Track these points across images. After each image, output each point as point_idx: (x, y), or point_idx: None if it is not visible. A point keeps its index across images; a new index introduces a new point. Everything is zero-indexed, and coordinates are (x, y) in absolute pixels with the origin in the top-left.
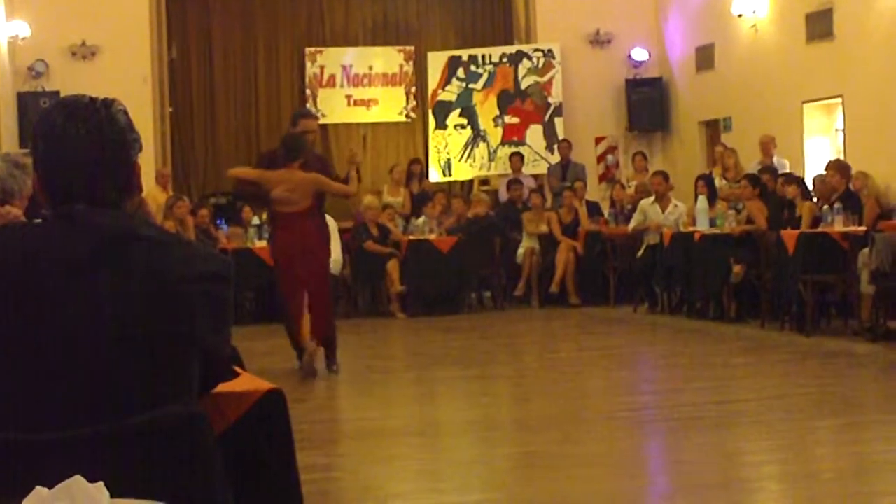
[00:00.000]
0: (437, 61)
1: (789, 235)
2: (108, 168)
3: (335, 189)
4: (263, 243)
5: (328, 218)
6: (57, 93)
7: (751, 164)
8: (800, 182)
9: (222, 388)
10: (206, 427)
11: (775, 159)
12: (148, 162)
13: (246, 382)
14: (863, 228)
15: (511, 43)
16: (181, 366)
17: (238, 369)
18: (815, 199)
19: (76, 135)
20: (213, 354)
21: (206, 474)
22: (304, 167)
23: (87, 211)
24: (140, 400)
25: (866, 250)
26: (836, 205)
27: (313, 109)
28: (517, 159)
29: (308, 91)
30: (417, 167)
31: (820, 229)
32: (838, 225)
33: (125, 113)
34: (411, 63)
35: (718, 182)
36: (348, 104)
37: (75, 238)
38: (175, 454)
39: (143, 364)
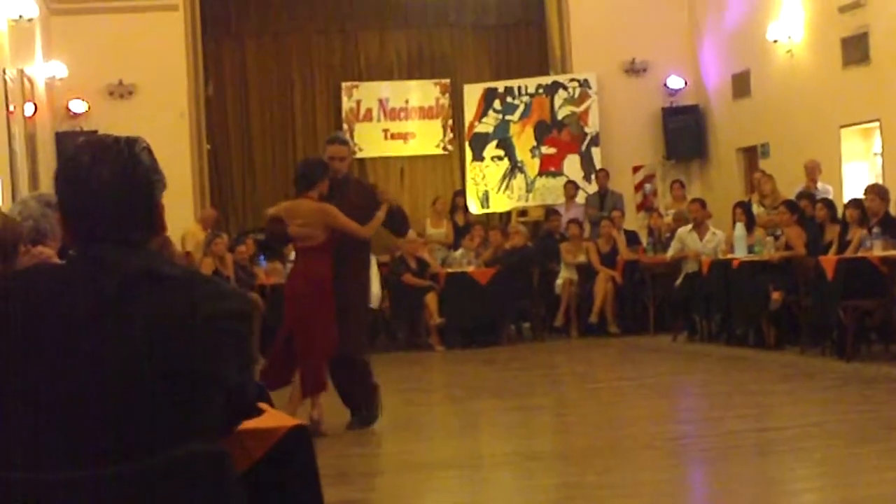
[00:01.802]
0: (473, 93)
1: (828, 261)
2: (133, 208)
3: (345, 226)
4: None
5: None
6: (95, 132)
7: (793, 190)
8: (830, 205)
9: (246, 424)
10: (227, 465)
11: (819, 185)
12: (186, 198)
13: (270, 419)
14: None
15: (546, 73)
16: (203, 404)
17: (264, 405)
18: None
19: (100, 176)
20: (236, 392)
21: None
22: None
23: (111, 251)
24: (163, 439)
25: None
26: (875, 229)
27: (343, 134)
28: (571, 187)
29: (345, 125)
30: (461, 199)
31: (859, 254)
32: (877, 249)
33: (149, 152)
34: (447, 95)
35: (756, 209)
36: (385, 138)
37: (99, 278)
38: (196, 493)
39: (166, 403)
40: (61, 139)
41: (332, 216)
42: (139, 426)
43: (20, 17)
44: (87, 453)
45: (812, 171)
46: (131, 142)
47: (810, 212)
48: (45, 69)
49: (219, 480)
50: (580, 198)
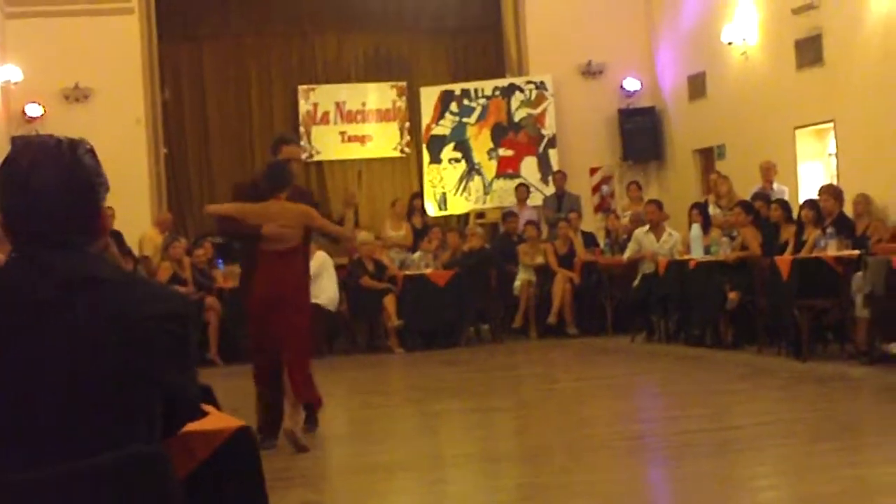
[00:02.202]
0: (429, 96)
1: (783, 261)
2: (74, 211)
3: (328, 228)
4: None
5: (322, 254)
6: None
7: (749, 191)
8: (784, 206)
9: (190, 426)
10: (166, 467)
11: (775, 185)
12: (143, 202)
13: (215, 421)
14: (856, 252)
15: (503, 76)
16: (142, 406)
17: (209, 407)
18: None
19: (41, 179)
20: (177, 394)
21: None
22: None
23: (50, 254)
24: (99, 441)
25: (860, 274)
26: (830, 229)
27: (293, 136)
28: (522, 190)
29: (302, 128)
30: (419, 201)
31: (814, 254)
32: (832, 249)
33: (92, 154)
34: (404, 98)
35: (713, 209)
36: (342, 140)
37: (35, 281)
38: (135, 494)
39: (103, 405)
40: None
41: (313, 218)
42: (79, 429)
43: None
44: (21, 457)
45: (767, 172)
46: (74, 144)
47: (766, 212)
48: (0, 73)
49: (158, 482)
50: (536, 199)
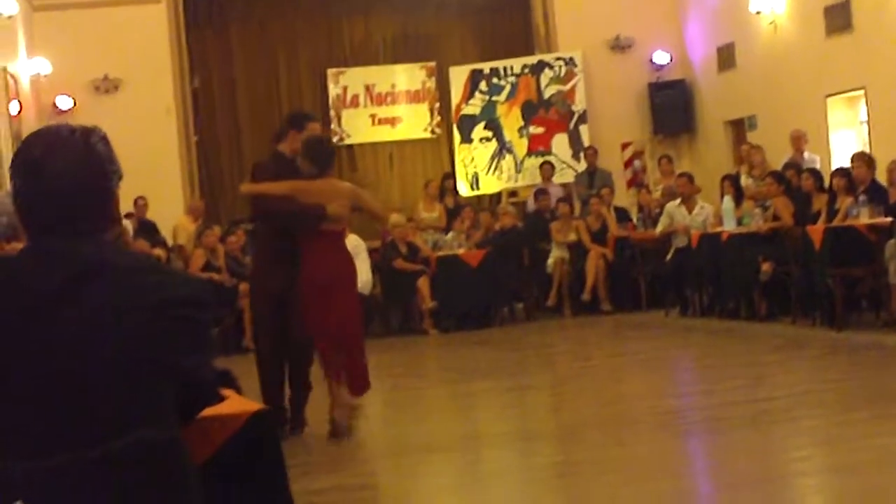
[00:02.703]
0: (458, 75)
1: (815, 231)
2: (87, 200)
3: (372, 206)
4: None
5: (355, 237)
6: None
7: (781, 161)
8: (816, 175)
9: (208, 411)
10: (180, 452)
11: (806, 154)
12: (176, 190)
13: (233, 405)
14: (889, 220)
15: (532, 53)
16: (158, 391)
17: (229, 392)
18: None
19: (54, 167)
20: (193, 379)
21: (185, 498)
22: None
23: (63, 242)
24: (116, 426)
25: (893, 241)
26: (862, 197)
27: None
28: (548, 168)
29: (332, 112)
30: (451, 182)
31: (846, 223)
32: (864, 217)
33: (105, 142)
34: (433, 79)
35: (745, 180)
36: (373, 123)
37: (49, 269)
38: (149, 480)
39: (119, 390)
40: None
41: (360, 196)
42: (95, 415)
43: (0, 14)
44: (38, 443)
45: (798, 142)
46: (87, 132)
47: (797, 182)
48: (30, 66)
49: (171, 467)
50: (567, 176)
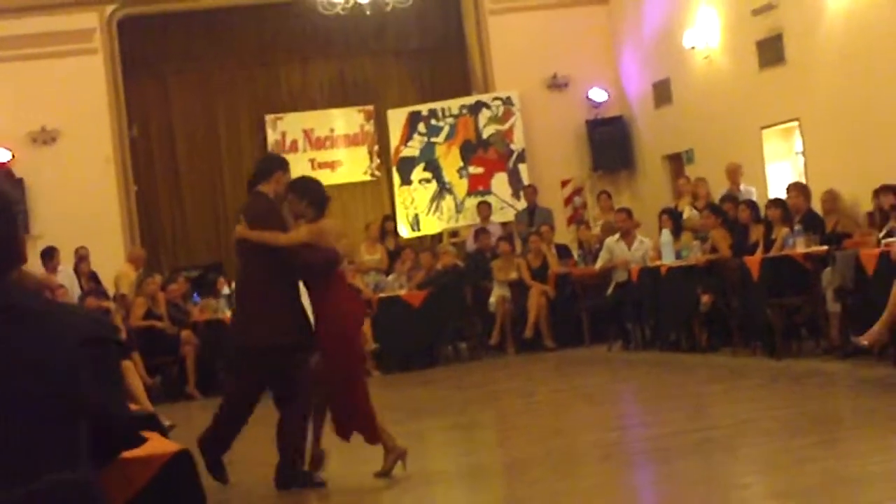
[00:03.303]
0: (397, 118)
1: (753, 261)
2: None
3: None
4: None
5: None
6: (21, 180)
7: (719, 193)
8: (753, 206)
9: (129, 453)
10: (97, 493)
11: (742, 186)
12: (116, 240)
13: (153, 446)
14: (824, 248)
15: (469, 93)
16: (72, 433)
17: (153, 434)
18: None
19: None
20: (107, 419)
21: None
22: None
23: None
24: (29, 468)
25: (829, 269)
26: (798, 227)
27: None
28: (485, 208)
29: None
30: (391, 224)
31: (783, 253)
32: (800, 246)
33: (13, 184)
34: (372, 122)
35: (688, 212)
36: (312, 167)
37: None
38: None
39: (32, 432)
40: None
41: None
42: (8, 457)
43: None
44: None
45: (733, 174)
46: None
47: (734, 214)
48: None
49: None
50: (508, 215)
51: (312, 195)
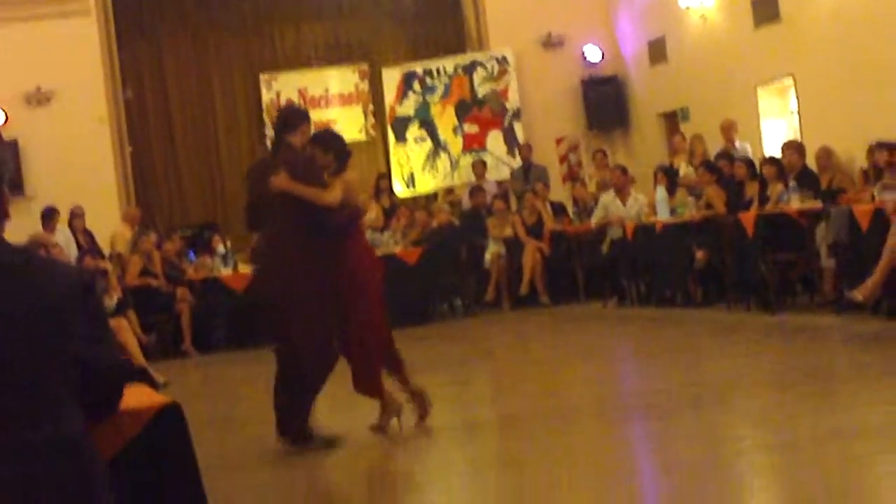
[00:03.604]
0: (391, 77)
1: (747, 218)
2: None
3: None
4: (230, 271)
5: None
6: (15, 141)
7: (714, 151)
8: (749, 163)
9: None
10: (87, 446)
11: (737, 143)
12: (111, 201)
13: (143, 398)
14: (818, 204)
15: (464, 52)
16: (57, 386)
17: (143, 387)
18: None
19: None
20: (95, 364)
21: (88, 494)
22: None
23: None
24: (18, 422)
25: (824, 225)
26: (792, 184)
27: None
28: (480, 166)
29: (266, 117)
30: (386, 182)
31: (778, 209)
32: (795, 203)
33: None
34: (366, 81)
35: (685, 169)
36: None
37: None
38: (56, 474)
39: (22, 386)
40: None
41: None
42: None
43: None
44: None
45: (728, 131)
46: None
47: (729, 171)
48: None
49: (77, 462)
50: (503, 173)
51: (338, 148)
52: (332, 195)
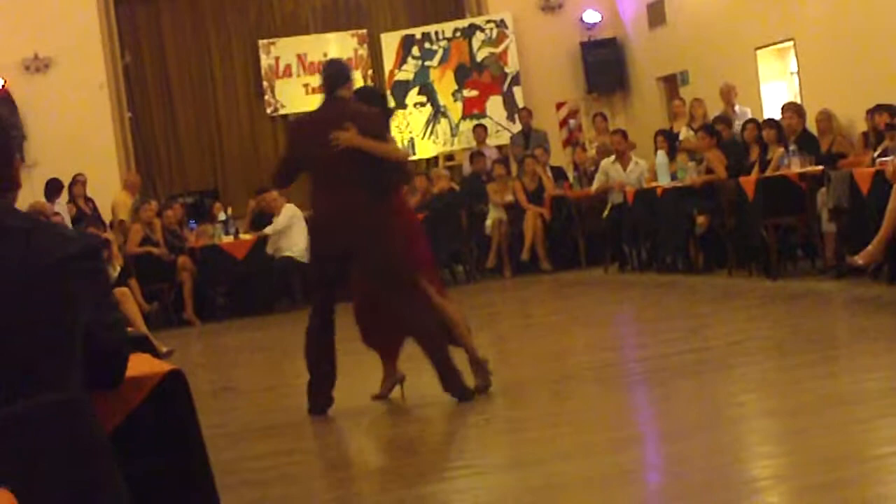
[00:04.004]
0: (390, 42)
1: (748, 182)
2: None
3: None
4: (230, 238)
5: (292, 207)
6: (14, 108)
7: (713, 114)
8: (758, 125)
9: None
10: (88, 413)
11: (737, 107)
12: (111, 167)
13: (146, 366)
14: (819, 168)
15: (462, 16)
16: (60, 352)
17: (144, 356)
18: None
19: None
20: (100, 331)
21: (90, 461)
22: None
23: None
24: (21, 388)
25: (824, 189)
26: (792, 147)
27: None
28: (481, 131)
29: (265, 83)
30: None
31: (778, 172)
32: (795, 166)
33: (11, 110)
34: (365, 46)
35: (685, 133)
36: (306, 93)
37: None
38: (56, 442)
39: (25, 352)
40: None
41: None
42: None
43: None
44: None
45: (727, 95)
46: None
47: (728, 135)
48: None
49: (78, 429)
50: (503, 138)
51: (383, 105)
52: (405, 150)
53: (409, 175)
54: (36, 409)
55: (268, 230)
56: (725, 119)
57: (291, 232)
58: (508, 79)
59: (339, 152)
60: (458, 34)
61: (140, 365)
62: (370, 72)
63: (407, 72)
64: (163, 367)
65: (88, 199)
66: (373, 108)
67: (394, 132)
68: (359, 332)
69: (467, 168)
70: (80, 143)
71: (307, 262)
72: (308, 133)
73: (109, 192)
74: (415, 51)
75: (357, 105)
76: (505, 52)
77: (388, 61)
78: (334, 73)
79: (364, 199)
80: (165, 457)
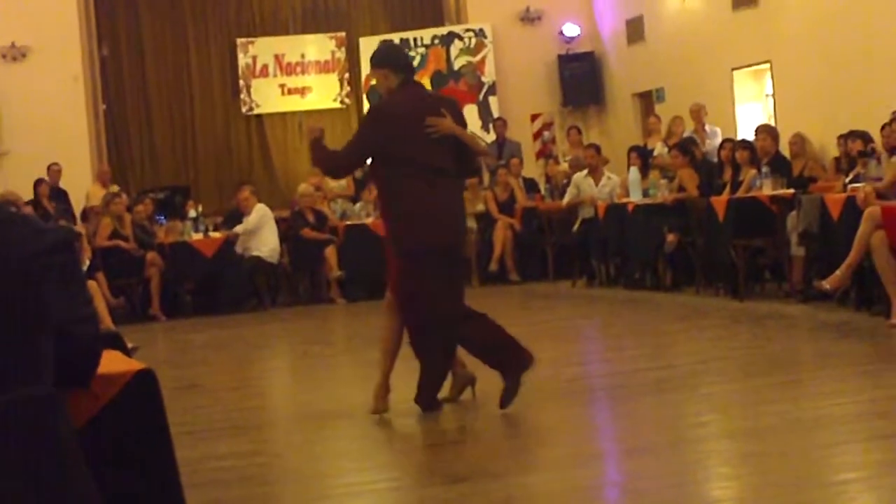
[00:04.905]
0: (369, 46)
1: (719, 202)
2: None
3: None
4: (200, 236)
5: (263, 207)
6: None
7: (687, 132)
8: (736, 145)
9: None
10: (58, 410)
11: (707, 127)
12: (84, 159)
13: (117, 363)
14: (790, 191)
15: (442, 24)
16: (31, 346)
17: (115, 353)
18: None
19: None
20: (73, 326)
21: (60, 458)
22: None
23: None
24: None
25: (795, 213)
26: (765, 169)
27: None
28: None
29: (241, 82)
30: None
31: (750, 194)
32: (767, 188)
33: None
34: (343, 49)
35: (660, 149)
36: (282, 93)
37: None
38: (25, 438)
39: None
40: None
41: None
42: None
43: None
44: None
45: (697, 115)
46: None
47: (699, 154)
48: None
49: (48, 426)
50: None
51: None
52: (484, 142)
53: (479, 169)
54: (6, 405)
55: (238, 229)
56: (691, 140)
57: (262, 232)
58: (485, 88)
59: (436, 140)
60: (437, 41)
61: (111, 362)
62: (347, 75)
63: None
64: (134, 365)
65: (60, 191)
66: (447, 95)
67: None
68: (407, 334)
69: None
70: (53, 132)
71: (275, 262)
72: (400, 121)
73: (81, 183)
74: None
75: (434, 91)
76: (482, 61)
77: (366, 66)
78: (403, 58)
79: (461, 189)
80: (134, 454)
